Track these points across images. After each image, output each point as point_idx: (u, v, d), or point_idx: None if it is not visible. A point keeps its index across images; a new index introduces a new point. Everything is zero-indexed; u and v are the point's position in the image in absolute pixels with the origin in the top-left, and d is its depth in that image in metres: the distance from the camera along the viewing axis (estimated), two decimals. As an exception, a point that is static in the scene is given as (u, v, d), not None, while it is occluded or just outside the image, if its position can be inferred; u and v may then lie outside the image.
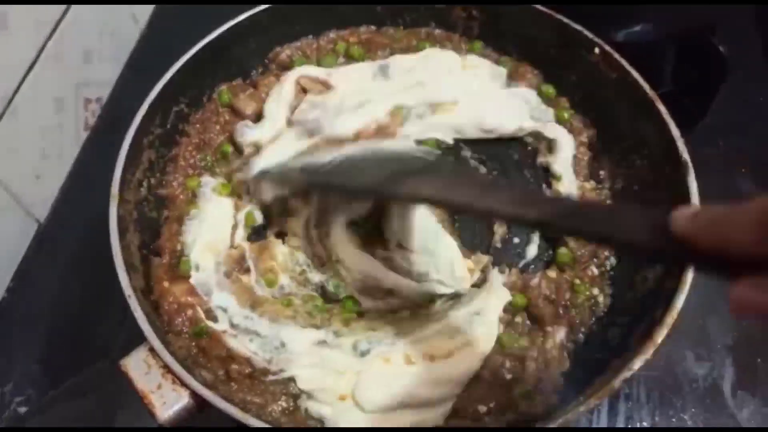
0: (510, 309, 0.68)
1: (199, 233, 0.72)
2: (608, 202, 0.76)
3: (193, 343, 0.64)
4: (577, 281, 0.69)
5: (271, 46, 0.85)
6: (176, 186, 0.76)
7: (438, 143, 0.79)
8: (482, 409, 0.61)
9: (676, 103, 0.72)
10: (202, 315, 0.65)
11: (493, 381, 0.62)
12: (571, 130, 0.80)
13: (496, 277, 0.70)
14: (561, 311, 0.67)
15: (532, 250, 0.74)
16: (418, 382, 0.61)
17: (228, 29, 0.79)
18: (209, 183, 0.76)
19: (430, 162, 0.66)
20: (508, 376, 0.63)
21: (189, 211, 0.74)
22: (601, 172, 0.78)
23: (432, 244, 0.71)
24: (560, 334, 0.65)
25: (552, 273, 0.70)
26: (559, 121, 0.80)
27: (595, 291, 0.69)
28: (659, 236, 0.35)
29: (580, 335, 0.67)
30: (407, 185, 0.56)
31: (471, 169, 0.76)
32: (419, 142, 0.78)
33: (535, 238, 0.75)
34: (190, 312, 0.65)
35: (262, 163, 0.73)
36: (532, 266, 0.73)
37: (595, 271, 0.70)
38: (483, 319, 0.66)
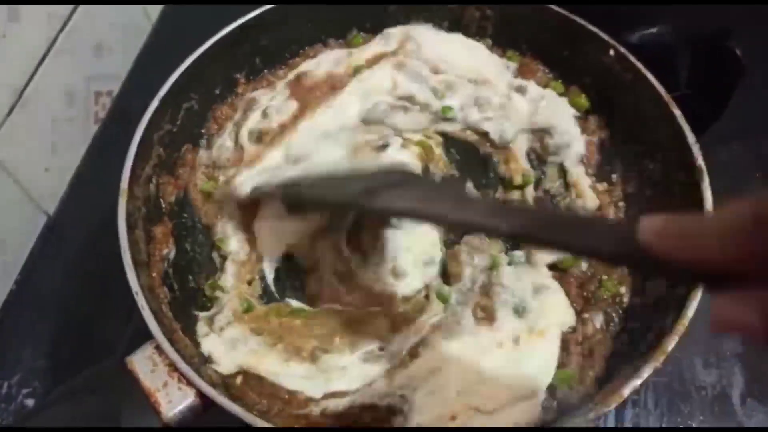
0: None
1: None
2: (620, 204, 0.75)
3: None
4: (605, 277, 0.69)
5: (281, 45, 0.84)
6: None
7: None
8: None
9: (690, 106, 0.70)
10: None
11: None
12: (584, 130, 0.79)
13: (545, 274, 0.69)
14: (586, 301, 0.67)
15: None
16: None
17: (239, 26, 0.78)
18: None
19: (406, 176, 0.65)
20: None
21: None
22: (613, 176, 0.77)
23: None
24: (598, 319, 0.66)
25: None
26: (576, 108, 0.79)
27: (623, 290, 0.68)
28: (627, 247, 0.33)
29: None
30: (382, 198, 0.55)
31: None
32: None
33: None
34: None
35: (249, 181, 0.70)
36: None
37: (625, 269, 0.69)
38: (541, 349, 0.63)
